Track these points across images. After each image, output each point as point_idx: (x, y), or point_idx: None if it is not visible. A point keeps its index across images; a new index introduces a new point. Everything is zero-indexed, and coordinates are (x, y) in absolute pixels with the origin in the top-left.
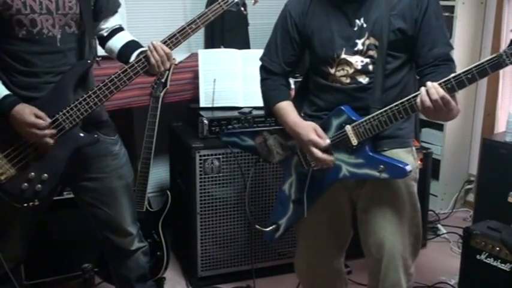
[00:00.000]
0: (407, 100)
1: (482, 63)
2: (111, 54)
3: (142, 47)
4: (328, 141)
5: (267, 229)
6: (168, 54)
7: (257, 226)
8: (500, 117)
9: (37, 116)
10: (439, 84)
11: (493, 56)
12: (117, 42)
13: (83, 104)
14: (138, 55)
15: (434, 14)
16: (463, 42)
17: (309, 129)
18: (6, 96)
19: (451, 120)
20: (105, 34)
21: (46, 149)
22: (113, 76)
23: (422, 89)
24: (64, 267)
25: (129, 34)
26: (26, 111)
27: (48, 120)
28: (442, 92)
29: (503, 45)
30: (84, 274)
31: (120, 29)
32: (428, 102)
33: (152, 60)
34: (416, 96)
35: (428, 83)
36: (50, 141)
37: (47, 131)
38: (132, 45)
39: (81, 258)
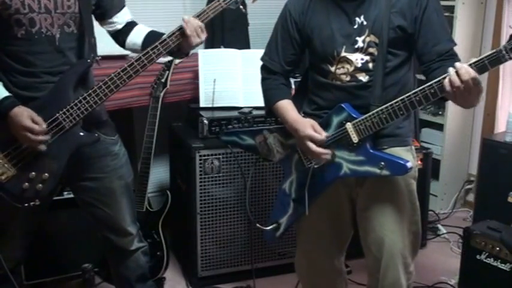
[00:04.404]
0: (407, 97)
1: (482, 58)
2: (133, 47)
3: (163, 34)
4: (324, 134)
5: (268, 228)
6: (201, 26)
7: (258, 225)
8: (500, 117)
9: (34, 121)
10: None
11: (493, 51)
12: (138, 35)
13: (83, 102)
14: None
15: (435, 11)
16: (463, 42)
17: (307, 125)
18: (5, 98)
19: (475, 105)
20: (120, 27)
21: (38, 152)
22: (113, 75)
23: (451, 69)
24: (64, 267)
25: (145, 26)
26: (24, 114)
27: (44, 126)
28: (473, 72)
29: None
30: (84, 274)
31: (134, 22)
32: (459, 82)
33: (188, 31)
34: (416, 92)
35: (457, 64)
36: (42, 147)
37: (41, 137)
38: (154, 34)
39: (81, 258)
